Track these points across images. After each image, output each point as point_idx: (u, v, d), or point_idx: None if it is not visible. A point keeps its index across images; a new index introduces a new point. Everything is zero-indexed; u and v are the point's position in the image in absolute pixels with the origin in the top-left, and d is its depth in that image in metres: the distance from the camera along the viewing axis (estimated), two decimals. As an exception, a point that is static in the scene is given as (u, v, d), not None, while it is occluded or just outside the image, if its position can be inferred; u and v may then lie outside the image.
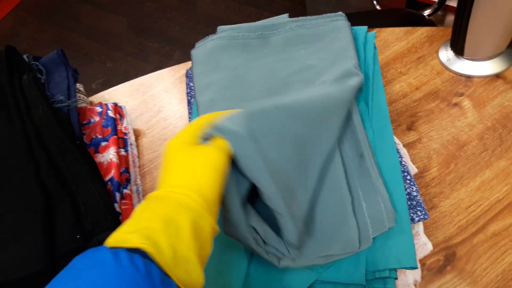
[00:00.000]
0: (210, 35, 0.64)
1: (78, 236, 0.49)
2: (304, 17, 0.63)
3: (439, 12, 1.44)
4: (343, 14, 0.62)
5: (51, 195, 0.53)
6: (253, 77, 0.60)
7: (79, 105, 0.72)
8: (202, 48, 0.64)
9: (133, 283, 0.28)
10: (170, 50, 2.01)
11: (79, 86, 0.76)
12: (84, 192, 0.54)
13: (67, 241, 0.49)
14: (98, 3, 2.32)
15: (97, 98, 0.80)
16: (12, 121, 0.59)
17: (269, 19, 0.65)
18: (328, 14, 0.63)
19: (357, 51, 0.60)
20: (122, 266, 0.28)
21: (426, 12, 1.30)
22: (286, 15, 0.66)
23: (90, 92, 1.90)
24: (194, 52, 0.64)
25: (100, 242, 0.50)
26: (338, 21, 0.62)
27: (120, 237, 0.33)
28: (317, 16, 0.63)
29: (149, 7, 2.24)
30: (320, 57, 0.59)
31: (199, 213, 0.35)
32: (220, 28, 0.65)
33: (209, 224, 0.36)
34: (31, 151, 0.55)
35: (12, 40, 2.25)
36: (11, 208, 0.52)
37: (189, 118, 0.68)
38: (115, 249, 0.30)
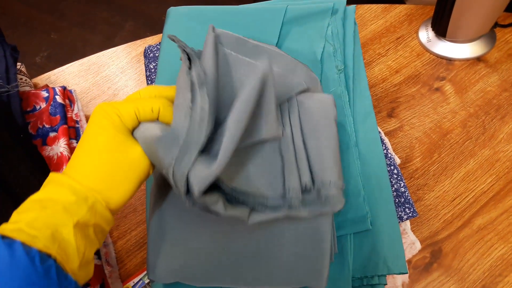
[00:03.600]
0: None
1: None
2: None
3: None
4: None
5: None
6: None
7: (21, 89, 0.63)
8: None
9: (28, 281, 0.27)
10: (121, 20, 1.87)
11: (20, 66, 0.66)
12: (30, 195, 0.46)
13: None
14: (38, -34, 2.11)
15: (42, 80, 0.70)
16: None
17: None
18: None
19: (335, 27, 0.55)
20: (17, 262, 0.27)
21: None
22: None
23: (34, 66, 1.75)
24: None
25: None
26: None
27: (21, 231, 0.29)
28: None
29: (97, -28, 2.06)
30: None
31: (99, 221, 0.33)
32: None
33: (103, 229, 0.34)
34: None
35: None
36: None
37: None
38: (10, 240, 0.28)
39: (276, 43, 0.54)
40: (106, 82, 0.69)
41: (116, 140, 0.35)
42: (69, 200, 0.32)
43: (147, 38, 0.73)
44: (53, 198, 0.32)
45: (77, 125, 0.61)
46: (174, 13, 0.60)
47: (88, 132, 0.35)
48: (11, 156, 0.46)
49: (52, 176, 0.34)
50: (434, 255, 0.51)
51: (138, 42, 0.74)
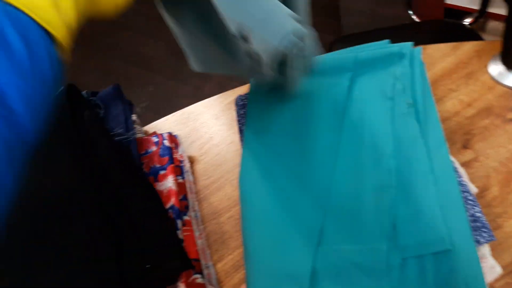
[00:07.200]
0: None
1: (147, 266, 0.51)
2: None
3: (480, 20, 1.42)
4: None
5: (119, 226, 0.55)
6: None
7: (136, 136, 0.75)
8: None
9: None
10: (208, 73, 2.06)
11: (134, 117, 0.79)
12: (151, 223, 0.56)
13: (138, 271, 0.52)
14: (137, 30, 2.41)
15: (150, 127, 0.83)
16: (78, 158, 0.62)
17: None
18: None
19: (403, 67, 0.60)
20: None
21: (467, 21, 1.29)
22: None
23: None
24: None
25: (169, 270, 0.52)
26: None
27: None
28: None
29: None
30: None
31: None
32: None
33: None
34: (98, 185, 0.58)
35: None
36: (81, 240, 0.55)
37: (241, 145, 0.69)
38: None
39: (348, 85, 0.61)
40: (203, 127, 0.81)
41: None
42: None
43: (236, 89, 0.84)
44: None
45: (181, 164, 0.72)
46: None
47: None
48: (136, 189, 0.57)
49: None
50: (516, 280, 0.53)
51: (229, 92, 0.85)
